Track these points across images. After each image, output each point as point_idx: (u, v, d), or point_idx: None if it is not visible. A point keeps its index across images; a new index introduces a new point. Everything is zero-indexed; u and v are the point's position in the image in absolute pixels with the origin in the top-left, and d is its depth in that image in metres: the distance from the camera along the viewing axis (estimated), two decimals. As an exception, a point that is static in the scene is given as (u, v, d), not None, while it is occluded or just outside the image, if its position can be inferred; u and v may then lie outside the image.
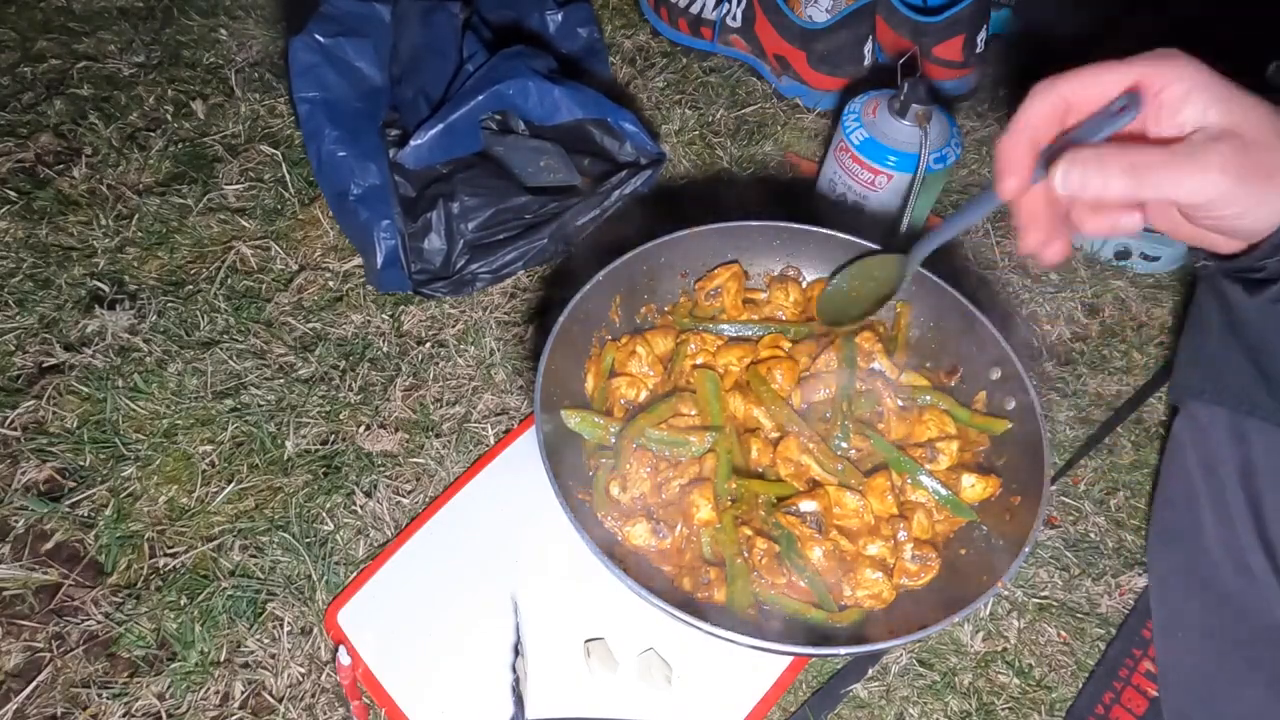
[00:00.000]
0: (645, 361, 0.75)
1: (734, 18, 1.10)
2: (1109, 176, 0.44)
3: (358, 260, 0.91)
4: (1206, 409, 0.69)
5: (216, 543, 0.73)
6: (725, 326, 0.78)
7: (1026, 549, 0.62)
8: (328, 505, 0.76)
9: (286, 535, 0.74)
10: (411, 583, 0.71)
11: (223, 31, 1.11)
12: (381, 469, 0.78)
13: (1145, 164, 0.44)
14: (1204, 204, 0.45)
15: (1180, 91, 0.44)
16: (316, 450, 0.79)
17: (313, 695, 0.68)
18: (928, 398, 0.74)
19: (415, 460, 0.79)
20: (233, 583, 0.71)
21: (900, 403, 0.74)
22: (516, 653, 0.68)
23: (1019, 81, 1.04)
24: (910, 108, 0.86)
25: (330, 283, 0.90)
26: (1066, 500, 0.82)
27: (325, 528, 0.75)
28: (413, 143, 0.87)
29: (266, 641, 0.70)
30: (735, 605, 0.64)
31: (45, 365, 0.82)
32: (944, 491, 0.69)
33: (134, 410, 0.80)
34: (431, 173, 0.88)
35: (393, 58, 0.95)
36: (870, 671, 0.71)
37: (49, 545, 0.73)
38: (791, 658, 0.69)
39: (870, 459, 0.72)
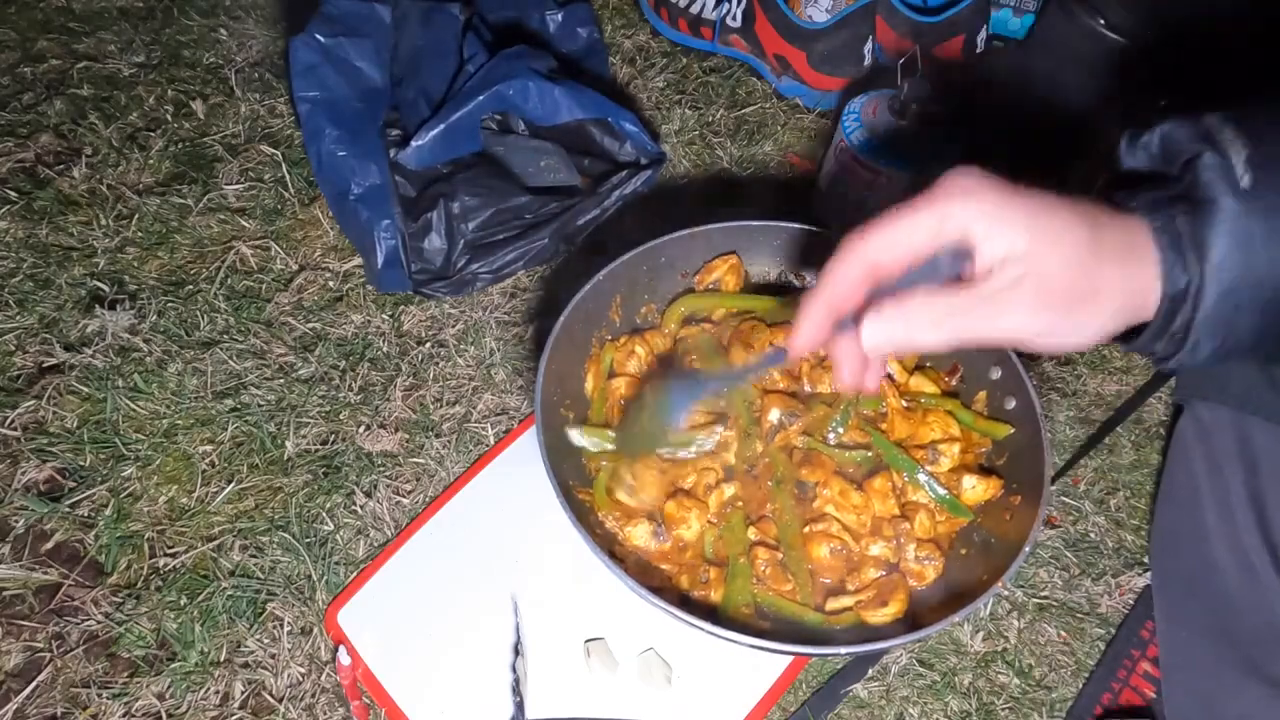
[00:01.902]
0: (644, 361, 0.75)
1: (734, 18, 1.10)
2: (914, 331, 0.44)
3: (358, 260, 0.91)
4: (1211, 409, 0.69)
5: (216, 543, 0.73)
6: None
7: (1027, 549, 0.62)
8: (328, 505, 0.76)
9: (286, 535, 0.74)
10: (411, 583, 0.71)
11: (223, 31, 1.11)
12: (381, 469, 0.78)
13: (950, 314, 0.43)
14: (1019, 342, 0.44)
15: (984, 229, 0.42)
16: (316, 450, 0.79)
17: (313, 695, 0.68)
18: (933, 401, 0.74)
19: (415, 460, 0.79)
20: (233, 583, 0.71)
21: (905, 403, 0.74)
22: (516, 653, 0.68)
23: (1019, 81, 1.04)
24: (910, 108, 0.86)
25: (330, 283, 0.90)
26: (1066, 500, 0.82)
27: (325, 528, 0.75)
28: (413, 143, 0.87)
29: (266, 641, 0.70)
30: (732, 603, 0.64)
31: (45, 365, 0.82)
32: (942, 492, 0.69)
33: (134, 410, 0.80)
34: (432, 173, 0.88)
35: (393, 58, 0.95)
36: (870, 671, 0.71)
37: (49, 545, 0.73)
38: (791, 658, 0.69)
39: (872, 461, 0.72)
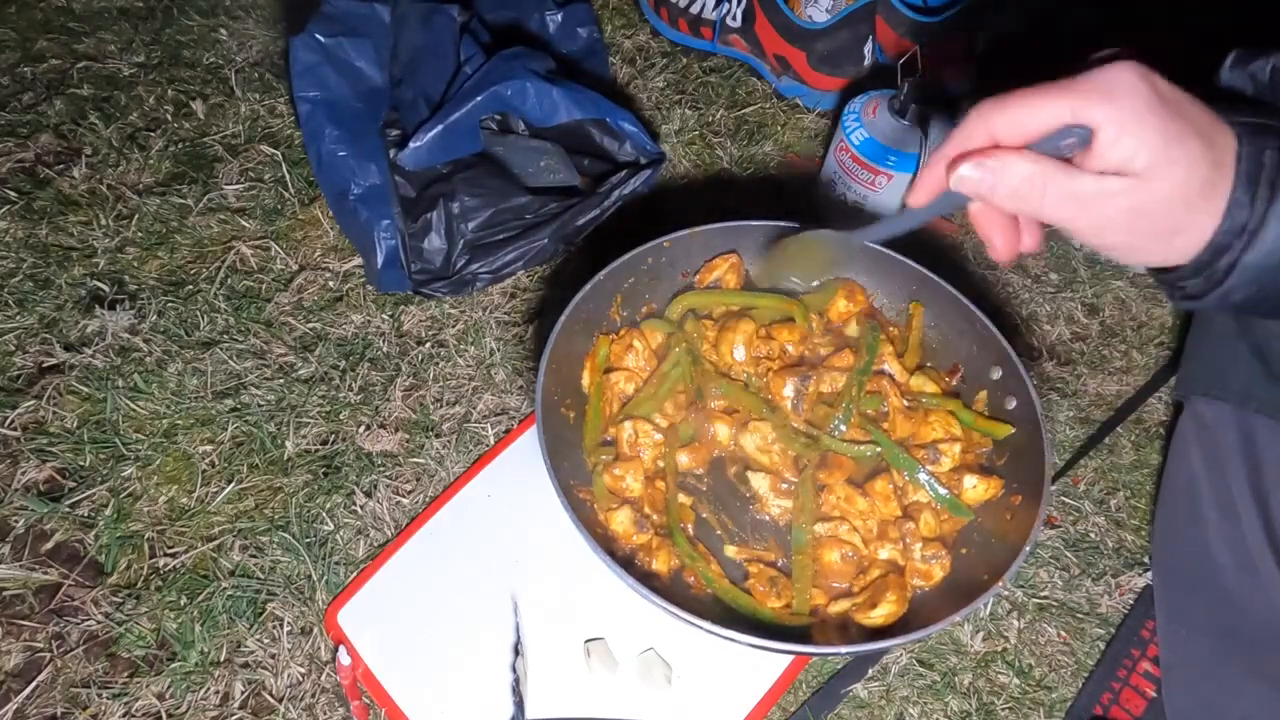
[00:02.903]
0: (642, 356, 0.75)
1: (734, 18, 1.10)
2: (1003, 181, 0.44)
3: (358, 260, 0.91)
4: (1212, 406, 0.69)
5: (216, 543, 0.73)
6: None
7: (1027, 549, 0.62)
8: (328, 505, 0.76)
9: (286, 535, 0.74)
10: (411, 583, 0.71)
11: (223, 31, 1.11)
12: (381, 469, 0.78)
13: (1042, 185, 0.43)
14: (1079, 236, 0.44)
15: (1111, 135, 0.42)
16: (316, 450, 0.79)
17: (313, 695, 0.68)
18: (935, 401, 0.74)
19: (415, 460, 0.79)
20: (233, 583, 0.71)
21: (906, 402, 0.74)
22: (516, 653, 0.68)
23: (1018, 82, 1.04)
24: (910, 108, 0.86)
25: (330, 283, 0.90)
26: (1066, 500, 0.82)
27: (325, 528, 0.75)
28: (413, 143, 0.87)
29: (266, 641, 0.70)
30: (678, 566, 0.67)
31: (45, 365, 0.82)
32: (943, 492, 0.69)
33: (134, 410, 0.80)
34: (431, 173, 0.88)
35: (393, 58, 0.95)
36: (870, 671, 0.71)
37: (49, 545, 0.73)
38: (791, 658, 0.69)
39: (873, 461, 0.72)
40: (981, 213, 0.49)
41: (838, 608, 0.66)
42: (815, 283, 0.69)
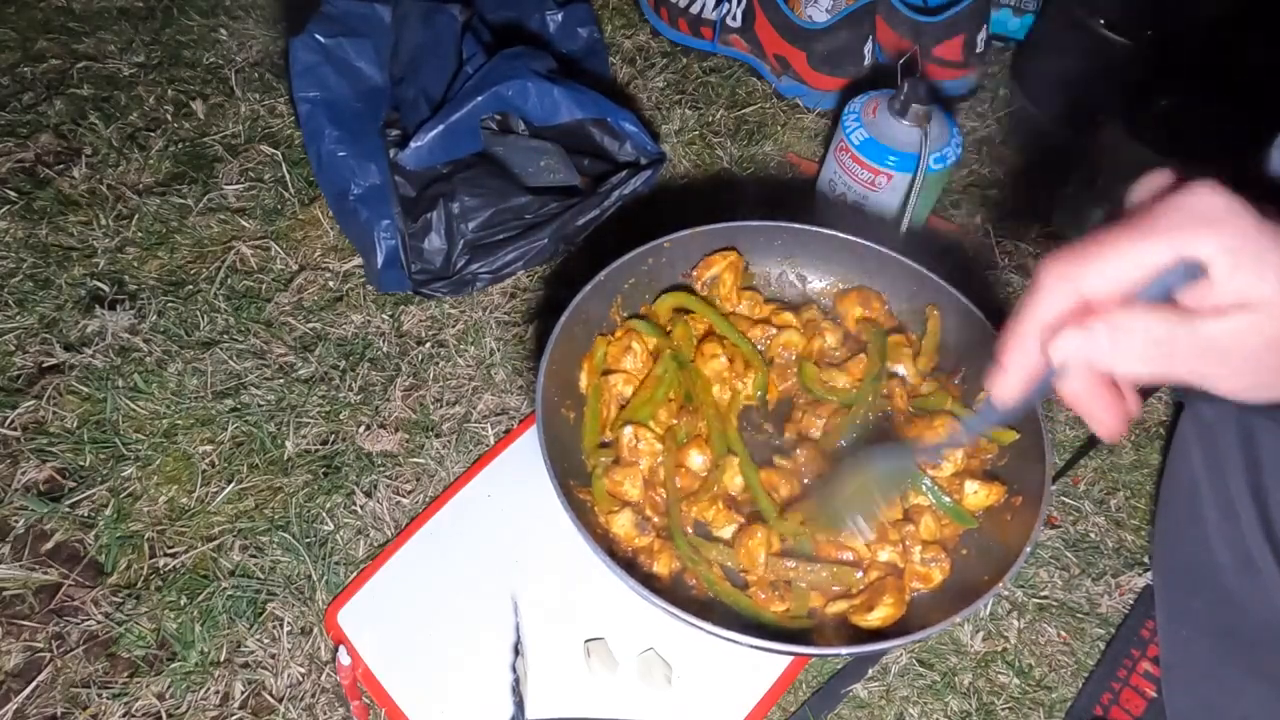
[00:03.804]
0: (639, 358, 0.75)
1: (734, 18, 1.10)
2: (1120, 354, 0.38)
3: (358, 260, 0.91)
4: (1213, 406, 0.69)
5: (216, 543, 0.73)
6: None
7: (1027, 549, 0.62)
8: (328, 505, 0.76)
9: (286, 535, 0.74)
10: (411, 583, 0.71)
11: (223, 31, 1.11)
12: (381, 469, 0.78)
13: (1163, 343, 0.37)
14: (1223, 393, 0.39)
15: (1226, 266, 0.37)
16: (316, 450, 0.79)
17: (313, 695, 0.68)
18: (944, 405, 0.74)
19: (415, 460, 0.79)
20: (233, 583, 0.71)
21: (911, 409, 0.74)
22: (516, 653, 0.68)
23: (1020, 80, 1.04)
24: (910, 108, 0.86)
25: (330, 283, 0.90)
26: (1066, 500, 0.82)
27: (325, 528, 0.75)
28: (413, 143, 0.87)
29: (266, 641, 0.70)
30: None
31: (45, 365, 0.82)
32: (946, 500, 0.69)
33: (134, 410, 0.80)
34: (431, 173, 0.88)
35: (393, 58, 0.95)
36: (870, 671, 0.71)
37: (49, 545, 0.73)
38: (791, 658, 0.69)
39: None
40: (1080, 389, 0.41)
41: (835, 608, 0.66)
42: (880, 519, 0.66)
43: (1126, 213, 0.39)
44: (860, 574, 0.67)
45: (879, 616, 0.64)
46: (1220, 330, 0.37)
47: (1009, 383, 0.42)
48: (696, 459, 0.71)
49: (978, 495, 0.69)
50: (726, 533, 0.69)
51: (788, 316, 0.78)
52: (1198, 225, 0.37)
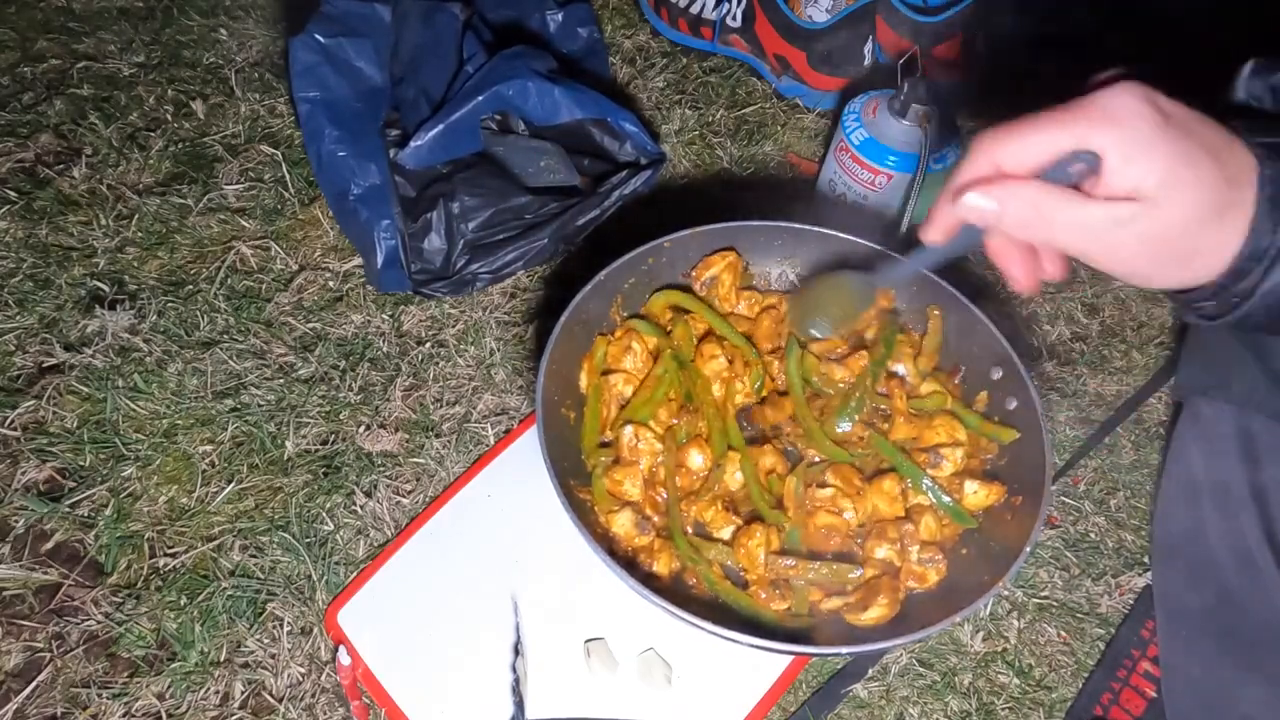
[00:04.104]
0: (639, 358, 0.75)
1: (734, 18, 1.10)
2: (1011, 211, 0.43)
3: (358, 260, 0.91)
4: (1211, 406, 0.69)
5: (216, 543, 0.73)
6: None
7: (1027, 549, 0.62)
8: (328, 505, 0.76)
9: (286, 535, 0.74)
10: (411, 583, 0.71)
11: (223, 31, 1.11)
12: (381, 469, 0.78)
13: (1053, 214, 0.42)
14: (1093, 263, 0.44)
15: (1118, 160, 0.41)
16: (316, 450, 0.79)
17: (313, 695, 0.68)
18: (944, 405, 0.74)
19: (415, 460, 0.79)
20: (233, 583, 0.71)
21: (911, 410, 0.74)
22: (516, 653, 0.68)
23: (1019, 81, 1.04)
24: (910, 108, 0.86)
25: (330, 283, 0.90)
26: (1066, 500, 0.82)
27: (325, 528, 0.75)
28: (413, 143, 0.87)
29: (266, 641, 0.70)
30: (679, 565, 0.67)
31: (45, 365, 0.82)
32: (947, 500, 0.69)
33: (134, 410, 0.80)
34: (431, 173, 0.88)
35: (393, 58, 0.95)
36: (870, 671, 0.71)
37: (49, 545, 0.73)
38: (791, 658, 0.69)
39: (876, 461, 0.72)
40: (998, 245, 0.48)
41: (830, 605, 0.66)
42: (839, 330, 0.70)
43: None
44: (858, 572, 0.67)
45: (873, 616, 0.64)
46: (1100, 215, 0.41)
47: (933, 228, 0.50)
48: (696, 458, 0.71)
49: (978, 495, 0.69)
50: (725, 534, 0.69)
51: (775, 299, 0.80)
52: (1102, 121, 0.41)
